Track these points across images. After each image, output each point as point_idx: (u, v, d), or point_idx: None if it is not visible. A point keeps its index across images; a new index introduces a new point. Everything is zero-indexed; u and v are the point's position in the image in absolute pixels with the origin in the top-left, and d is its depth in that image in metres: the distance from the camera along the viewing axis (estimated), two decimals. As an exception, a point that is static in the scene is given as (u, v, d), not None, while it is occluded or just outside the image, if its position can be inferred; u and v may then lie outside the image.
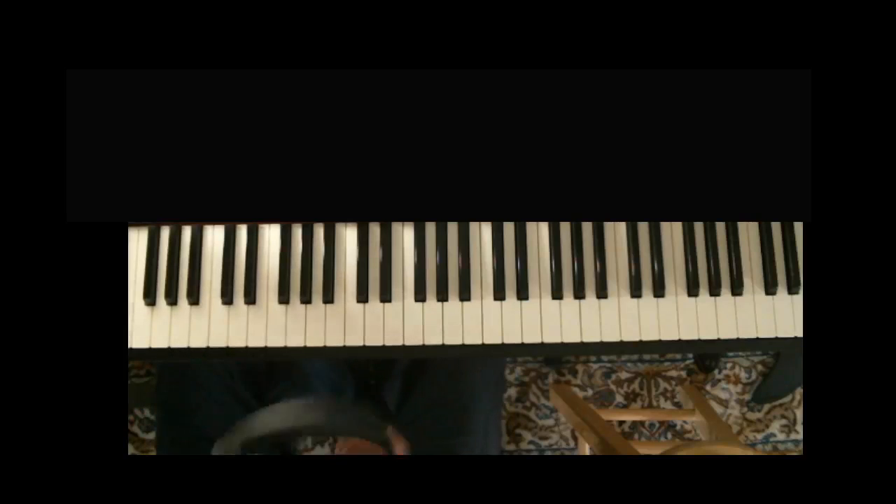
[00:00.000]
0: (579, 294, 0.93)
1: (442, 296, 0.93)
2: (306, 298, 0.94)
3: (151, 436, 1.57)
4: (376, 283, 0.94)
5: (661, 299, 0.93)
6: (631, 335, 0.92)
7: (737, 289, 0.92)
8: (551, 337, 0.92)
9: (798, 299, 0.92)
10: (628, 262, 0.94)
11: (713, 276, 0.93)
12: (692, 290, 0.93)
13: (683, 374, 1.60)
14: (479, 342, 0.93)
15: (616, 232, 0.95)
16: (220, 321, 0.94)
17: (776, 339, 0.92)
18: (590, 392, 1.59)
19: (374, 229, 0.95)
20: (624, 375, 1.60)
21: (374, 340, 0.93)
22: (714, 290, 0.92)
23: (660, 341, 0.92)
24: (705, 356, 1.58)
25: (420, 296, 0.93)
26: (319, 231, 0.96)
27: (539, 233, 0.95)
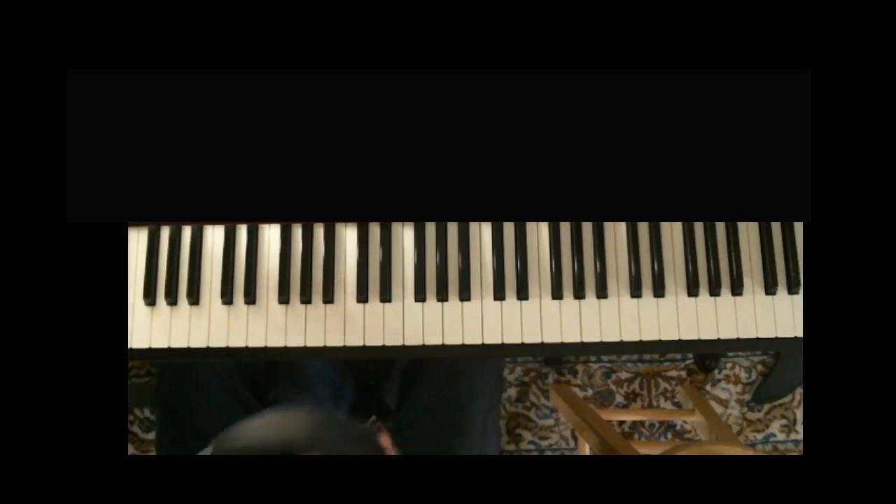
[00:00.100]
0: (579, 294, 0.93)
1: (442, 296, 0.93)
2: (306, 298, 0.94)
3: (151, 436, 1.57)
4: (376, 283, 0.94)
5: (661, 299, 0.93)
6: (631, 335, 0.92)
7: (737, 289, 0.92)
8: (551, 337, 0.92)
9: (798, 299, 0.92)
10: (628, 262, 0.94)
11: (713, 276, 0.93)
12: (692, 290, 0.93)
13: (683, 374, 1.60)
14: (479, 342, 0.93)
15: (616, 232, 0.95)
16: (220, 321, 0.94)
17: (776, 339, 0.92)
18: (590, 392, 1.59)
19: (374, 229, 0.95)
20: (624, 375, 1.60)
21: (374, 340, 0.93)
22: (714, 290, 0.92)
23: (660, 341, 0.92)
24: (705, 356, 1.58)
25: (420, 296, 0.93)
26: (319, 231, 0.96)
27: (539, 233, 0.95)
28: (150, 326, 0.95)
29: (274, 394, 1.23)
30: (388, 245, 0.95)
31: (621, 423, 1.57)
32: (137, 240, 0.97)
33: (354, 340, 0.93)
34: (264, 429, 0.74)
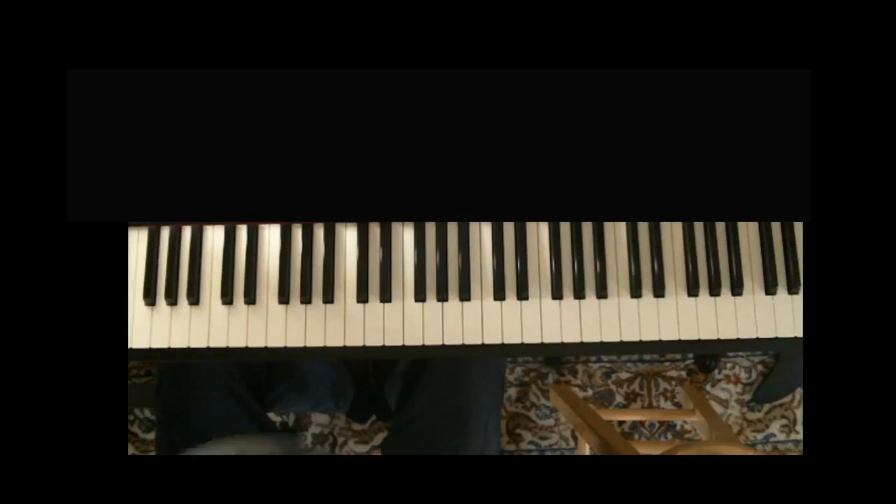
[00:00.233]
0: (579, 294, 0.93)
1: (442, 296, 0.93)
2: (306, 298, 0.94)
3: (151, 436, 1.57)
4: (376, 283, 0.94)
5: (661, 299, 0.93)
6: (631, 335, 0.92)
7: (737, 289, 0.92)
8: (551, 337, 0.92)
9: (798, 299, 0.92)
10: (628, 262, 0.94)
11: (713, 277, 0.93)
12: (692, 291, 0.93)
13: (683, 374, 1.60)
14: (479, 342, 0.93)
15: (616, 232, 0.95)
16: (220, 321, 0.94)
17: (776, 339, 0.92)
18: (590, 392, 1.59)
19: (374, 229, 0.95)
20: (624, 375, 1.60)
21: (374, 340, 0.93)
22: (714, 291, 0.92)
23: (660, 341, 0.92)
24: (705, 356, 1.58)
25: (420, 296, 0.93)
26: (319, 231, 0.96)
27: (539, 233, 0.95)
28: (150, 326, 0.95)
29: (274, 394, 1.23)
30: (388, 245, 0.95)
31: (621, 423, 1.57)
32: (137, 240, 0.97)
33: (354, 340, 0.93)
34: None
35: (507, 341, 0.93)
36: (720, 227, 0.94)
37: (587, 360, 1.60)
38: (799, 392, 1.59)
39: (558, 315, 0.93)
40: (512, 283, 0.93)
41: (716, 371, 1.59)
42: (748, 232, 0.94)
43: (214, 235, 0.96)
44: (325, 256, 0.95)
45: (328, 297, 0.94)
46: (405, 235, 0.95)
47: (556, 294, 0.93)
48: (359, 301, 0.94)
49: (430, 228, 0.95)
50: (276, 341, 0.94)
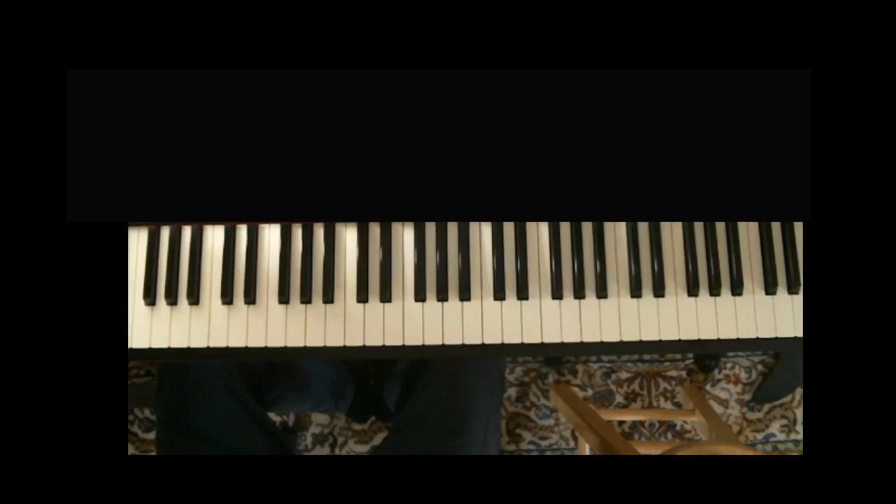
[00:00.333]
0: (579, 294, 0.93)
1: (442, 296, 0.93)
2: (306, 298, 0.94)
3: (151, 436, 1.57)
4: (376, 283, 0.94)
5: (661, 299, 0.93)
6: (631, 335, 0.92)
7: (737, 289, 0.92)
8: (551, 337, 0.92)
9: (798, 299, 0.92)
10: (628, 262, 0.94)
11: (713, 276, 0.93)
12: (692, 290, 0.93)
13: (683, 374, 1.60)
14: (479, 342, 0.93)
15: (616, 232, 0.95)
16: (220, 321, 0.94)
17: (776, 339, 0.92)
18: (590, 392, 1.59)
19: (374, 229, 0.95)
20: (624, 375, 1.60)
21: (374, 340, 0.93)
22: (714, 291, 0.92)
23: (660, 341, 0.92)
24: (705, 356, 1.58)
25: (420, 296, 0.93)
26: (319, 231, 0.96)
27: (539, 233, 0.95)
28: (150, 326, 0.95)
29: (274, 394, 1.23)
30: (388, 245, 0.95)
31: (621, 423, 1.57)
32: (137, 240, 0.97)
33: (354, 340, 0.93)
34: None
35: (507, 341, 0.93)
36: (720, 227, 0.94)
37: (587, 359, 1.60)
38: (799, 392, 1.59)
39: (558, 315, 0.93)
40: (512, 283, 0.93)
41: (716, 371, 1.59)
42: (748, 232, 0.94)
43: (214, 235, 0.96)
44: (325, 256, 0.95)
45: (328, 297, 0.94)
46: (405, 235, 0.95)
47: (556, 294, 0.93)
48: (359, 301, 0.94)
49: (430, 228, 0.95)
50: (276, 341, 0.94)
